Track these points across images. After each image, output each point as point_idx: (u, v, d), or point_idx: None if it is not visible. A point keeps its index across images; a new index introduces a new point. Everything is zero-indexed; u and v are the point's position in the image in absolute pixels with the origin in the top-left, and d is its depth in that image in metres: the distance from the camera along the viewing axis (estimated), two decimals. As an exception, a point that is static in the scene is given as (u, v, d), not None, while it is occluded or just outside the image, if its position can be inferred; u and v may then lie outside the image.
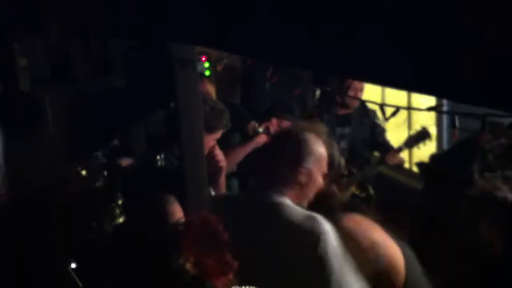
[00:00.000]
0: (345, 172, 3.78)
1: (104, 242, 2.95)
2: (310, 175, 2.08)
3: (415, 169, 4.49)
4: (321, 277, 1.84)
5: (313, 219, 1.92)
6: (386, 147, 4.08)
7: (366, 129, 4.10)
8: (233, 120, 4.66)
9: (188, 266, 0.91)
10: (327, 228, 1.90)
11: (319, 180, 2.12)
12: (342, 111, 4.05)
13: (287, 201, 2.04)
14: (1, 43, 3.25)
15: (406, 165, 4.76)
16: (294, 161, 2.09)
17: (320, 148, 2.12)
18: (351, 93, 3.87)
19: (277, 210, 2.01)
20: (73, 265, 2.77)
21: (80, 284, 2.77)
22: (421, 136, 3.87)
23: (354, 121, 4.07)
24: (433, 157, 3.42)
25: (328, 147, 2.14)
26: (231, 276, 0.95)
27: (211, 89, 4.52)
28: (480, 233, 1.51)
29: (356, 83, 3.84)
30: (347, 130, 4.07)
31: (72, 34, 2.93)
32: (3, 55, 3.27)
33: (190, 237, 0.84)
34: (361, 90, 3.94)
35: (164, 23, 2.31)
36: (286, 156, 2.10)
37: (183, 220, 0.88)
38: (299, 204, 2.06)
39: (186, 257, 0.84)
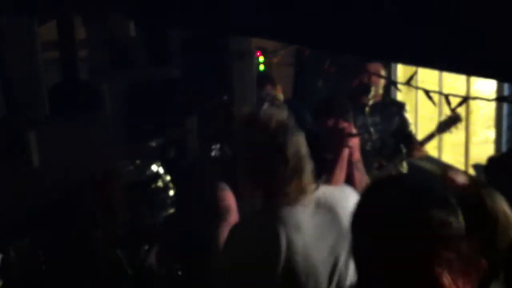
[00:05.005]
0: (376, 165, 3.75)
1: (156, 230, 2.99)
2: None
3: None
4: None
5: None
6: (411, 140, 4.01)
7: (395, 120, 4.05)
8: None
9: None
10: None
11: None
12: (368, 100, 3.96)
13: None
14: (63, 33, 3.33)
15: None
16: None
17: None
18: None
19: None
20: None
21: (128, 270, 2.81)
22: (453, 120, 3.79)
23: (382, 112, 3.99)
24: (490, 160, 3.31)
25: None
26: None
27: (279, 92, 4.37)
28: None
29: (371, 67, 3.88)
30: (377, 119, 3.99)
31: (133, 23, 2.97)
32: (65, 44, 3.35)
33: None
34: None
35: (223, 15, 2.32)
36: None
37: None
38: None
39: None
